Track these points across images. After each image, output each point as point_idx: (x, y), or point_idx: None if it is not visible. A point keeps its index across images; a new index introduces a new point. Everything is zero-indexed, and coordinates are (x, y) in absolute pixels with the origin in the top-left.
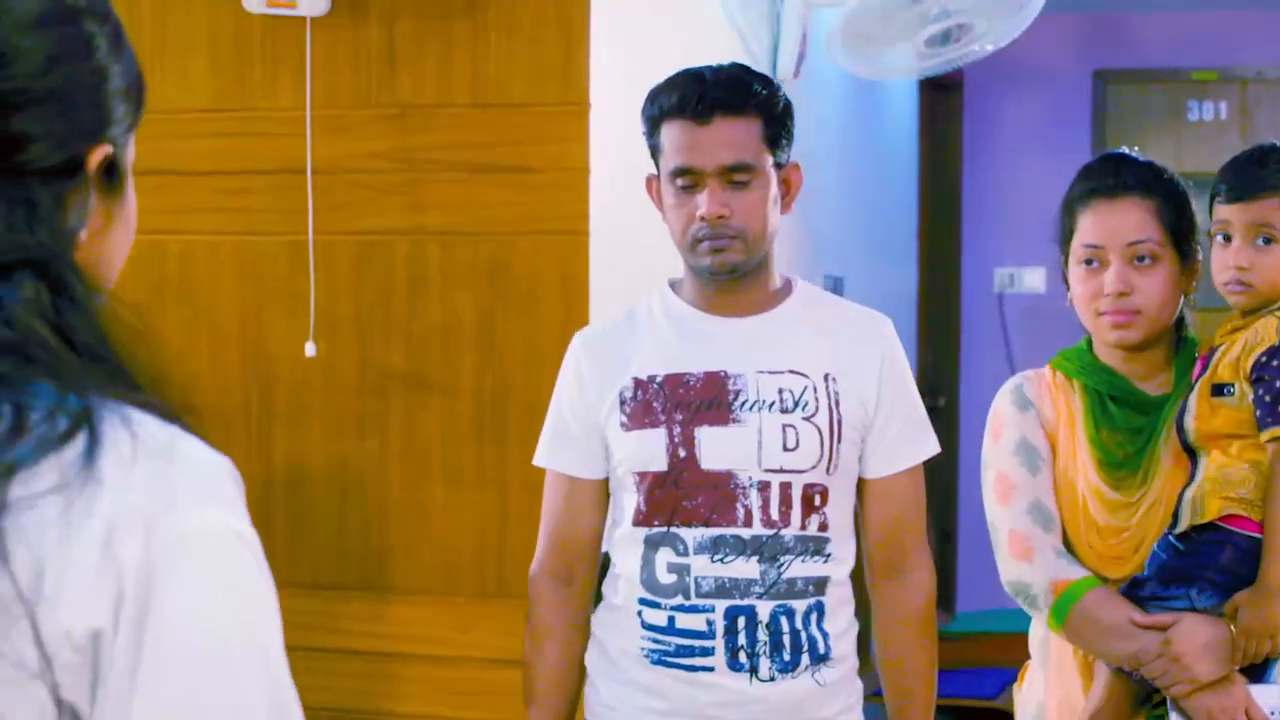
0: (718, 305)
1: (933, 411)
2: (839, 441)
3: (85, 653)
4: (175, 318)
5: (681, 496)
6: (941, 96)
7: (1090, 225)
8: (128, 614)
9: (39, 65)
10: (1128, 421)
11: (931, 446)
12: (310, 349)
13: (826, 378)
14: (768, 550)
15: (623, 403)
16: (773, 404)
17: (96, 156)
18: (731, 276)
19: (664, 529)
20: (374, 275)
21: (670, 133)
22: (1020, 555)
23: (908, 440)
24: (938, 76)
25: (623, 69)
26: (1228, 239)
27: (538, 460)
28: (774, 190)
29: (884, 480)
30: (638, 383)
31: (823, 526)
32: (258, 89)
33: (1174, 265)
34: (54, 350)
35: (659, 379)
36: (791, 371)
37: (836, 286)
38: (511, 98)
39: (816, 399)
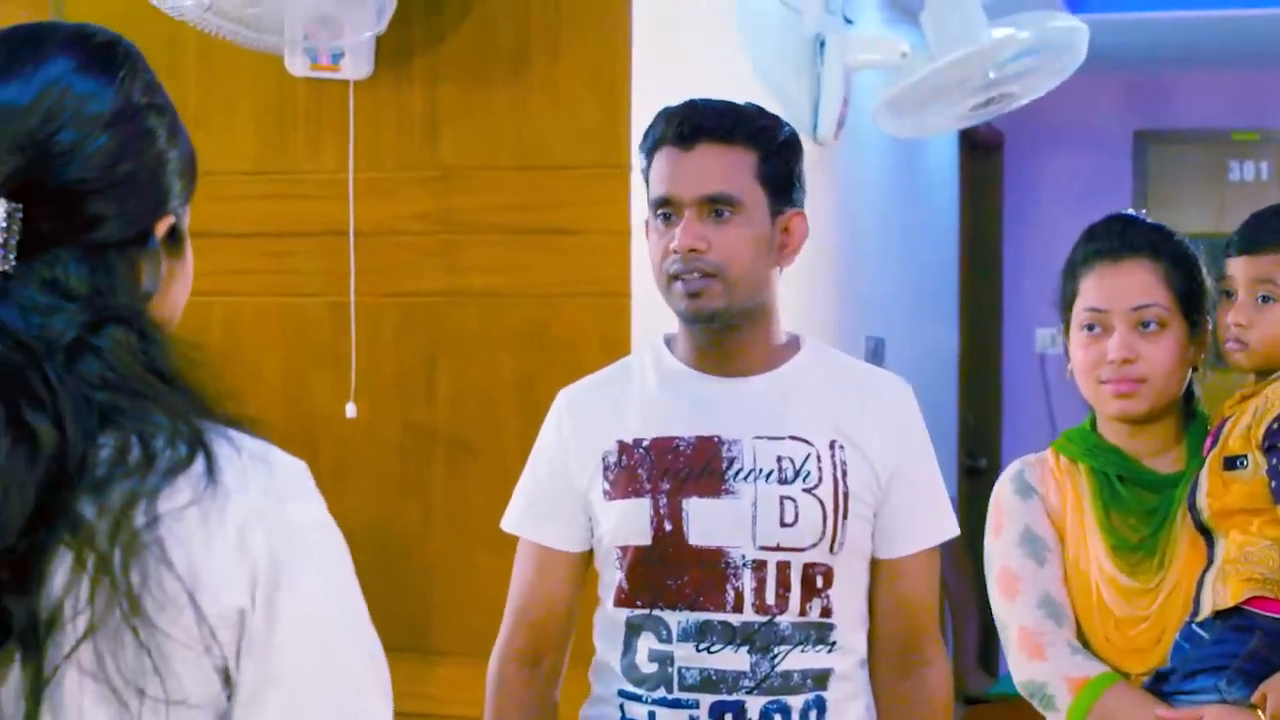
0: (713, 363)
1: (974, 473)
2: (845, 517)
3: (234, 628)
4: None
5: (666, 575)
6: (982, 157)
7: (1093, 288)
8: (261, 593)
9: (110, 158)
10: (1139, 502)
11: (950, 528)
12: (351, 410)
13: (833, 445)
14: (760, 639)
15: (606, 468)
16: (770, 473)
17: (162, 226)
18: (715, 326)
19: (646, 611)
20: (416, 337)
21: (657, 162)
22: (1032, 653)
23: (925, 519)
24: (979, 137)
25: None
26: (1231, 295)
27: (506, 524)
28: (766, 232)
29: (896, 562)
30: (622, 446)
31: (826, 612)
32: (301, 152)
33: (1182, 333)
34: (153, 385)
35: (646, 443)
36: (793, 438)
37: (878, 348)
38: (553, 160)
39: (820, 469)
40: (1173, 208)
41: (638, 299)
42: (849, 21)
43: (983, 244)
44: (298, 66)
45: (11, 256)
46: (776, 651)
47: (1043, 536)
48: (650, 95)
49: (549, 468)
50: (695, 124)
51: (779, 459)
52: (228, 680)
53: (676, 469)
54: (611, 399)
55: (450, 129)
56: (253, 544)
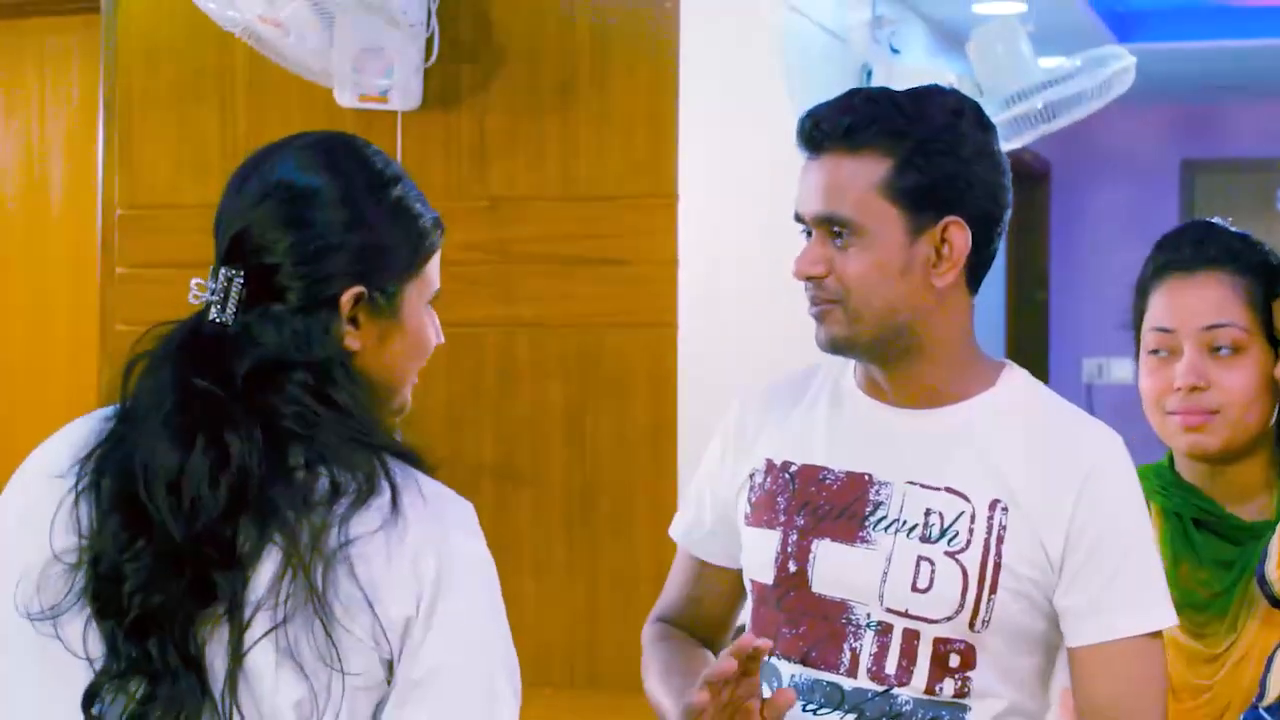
0: (886, 390)
1: None
2: (993, 591)
3: (400, 630)
4: None
5: (783, 621)
6: (1029, 186)
7: (1161, 306)
8: (424, 606)
9: (290, 247)
10: (1215, 553)
11: (1157, 619)
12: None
13: (994, 505)
14: (871, 710)
15: (751, 489)
16: (914, 528)
17: (347, 297)
18: (845, 355)
19: (765, 658)
20: (464, 366)
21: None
22: (1067, 715)
23: (1118, 604)
24: (1026, 167)
25: (711, 162)
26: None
27: (671, 528)
28: (898, 255)
29: (1079, 653)
30: (770, 467)
31: (961, 694)
32: None
33: (1264, 357)
34: (322, 416)
35: (794, 468)
36: (949, 490)
37: None
38: (601, 190)
39: (972, 531)
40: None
41: (685, 329)
42: (895, 51)
43: (1030, 273)
44: (346, 97)
45: (229, 311)
46: None
47: None
48: (698, 126)
49: (709, 471)
50: (823, 126)
51: (927, 512)
52: (391, 670)
53: (817, 504)
54: (780, 409)
55: (499, 159)
56: (423, 567)
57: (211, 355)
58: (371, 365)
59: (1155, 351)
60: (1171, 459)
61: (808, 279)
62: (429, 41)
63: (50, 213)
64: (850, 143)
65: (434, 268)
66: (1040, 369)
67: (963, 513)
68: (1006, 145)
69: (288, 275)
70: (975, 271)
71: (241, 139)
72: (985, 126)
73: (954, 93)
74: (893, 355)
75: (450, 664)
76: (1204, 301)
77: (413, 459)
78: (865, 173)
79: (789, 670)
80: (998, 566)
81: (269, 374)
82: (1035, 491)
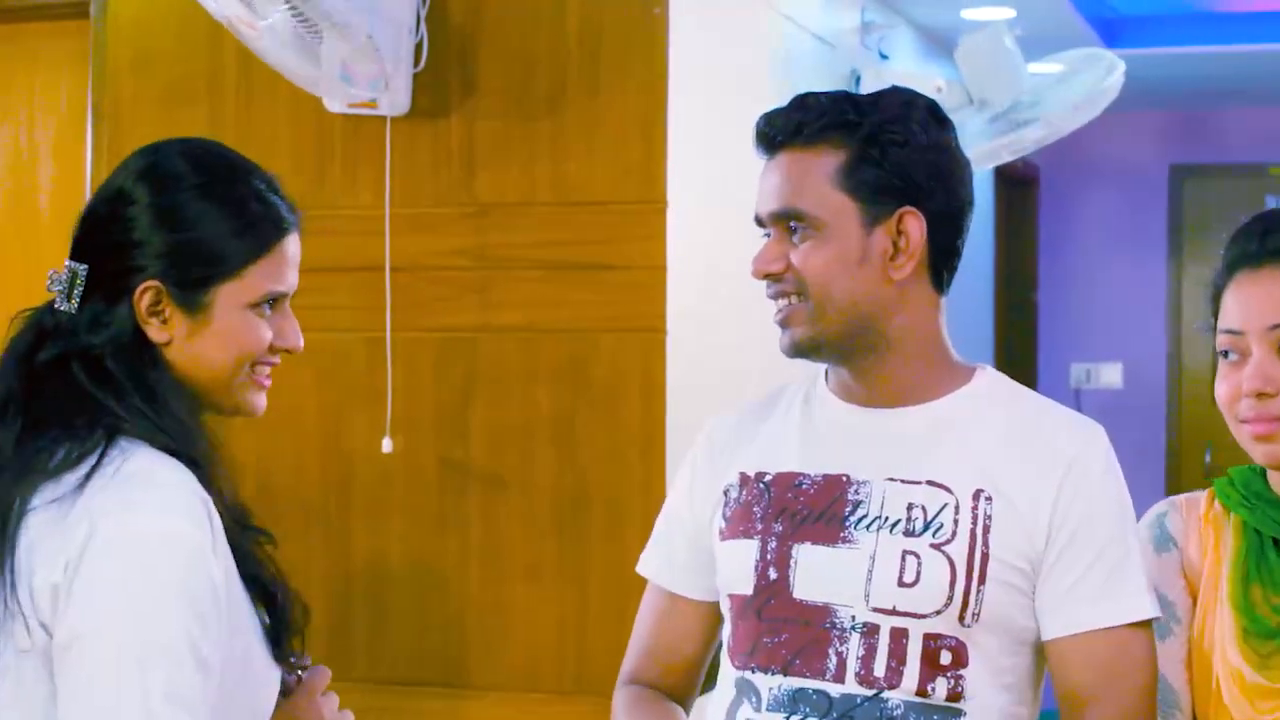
0: (856, 391)
1: None
2: (981, 582)
3: (48, 598)
4: None
5: (764, 632)
6: (1018, 191)
7: (1230, 305)
8: (69, 573)
9: (85, 240)
10: None
11: (1137, 608)
12: (387, 444)
13: (978, 496)
14: (860, 716)
15: (725, 504)
16: (897, 523)
17: (139, 291)
18: (812, 357)
19: (743, 672)
20: (452, 372)
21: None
22: None
23: (1098, 593)
24: (1014, 172)
25: (701, 168)
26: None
27: (639, 565)
28: (856, 247)
29: (1056, 645)
30: (743, 479)
31: (955, 695)
32: (338, 188)
33: None
34: (79, 400)
35: (769, 477)
36: (930, 483)
37: None
38: (591, 196)
39: (956, 522)
40: (1209, 243)
41: (674, 335)
42: (884, 57)
43: (1018, 278)
44: (335, 103)
45: (74, 302)
46: None
47: (1172, 602)
48: (687, 132)
49: (677, 502)
50: (776, 125)
51: (909, 507)
52: (49, 635)
53: (795, 509)
54: (750, 426)
55: (487, 165)
56: (75, 534)
57: (40, 341)
58: (178, 359)
59: (1226, 354)
60: (1264, 469)
61: (766, 276)
62: (418, 47)
63: (40, 218)
64: (804, 138)
65: (269, 270)
66: (1029, 374)
67: (946, 504)
68: (998, 161)
69: (99, 269)
70: (939, 268)
71: (230, 144)
72: (940, 121)
73: (908, 90)
74: (859, 353)
75: (86, 631)
76: (1271, 298)
77: (183, 448)
78: (820, 165)
79: (769, 683)
80: (985, 556)
81: (63, 358)
82: (1018, 481)
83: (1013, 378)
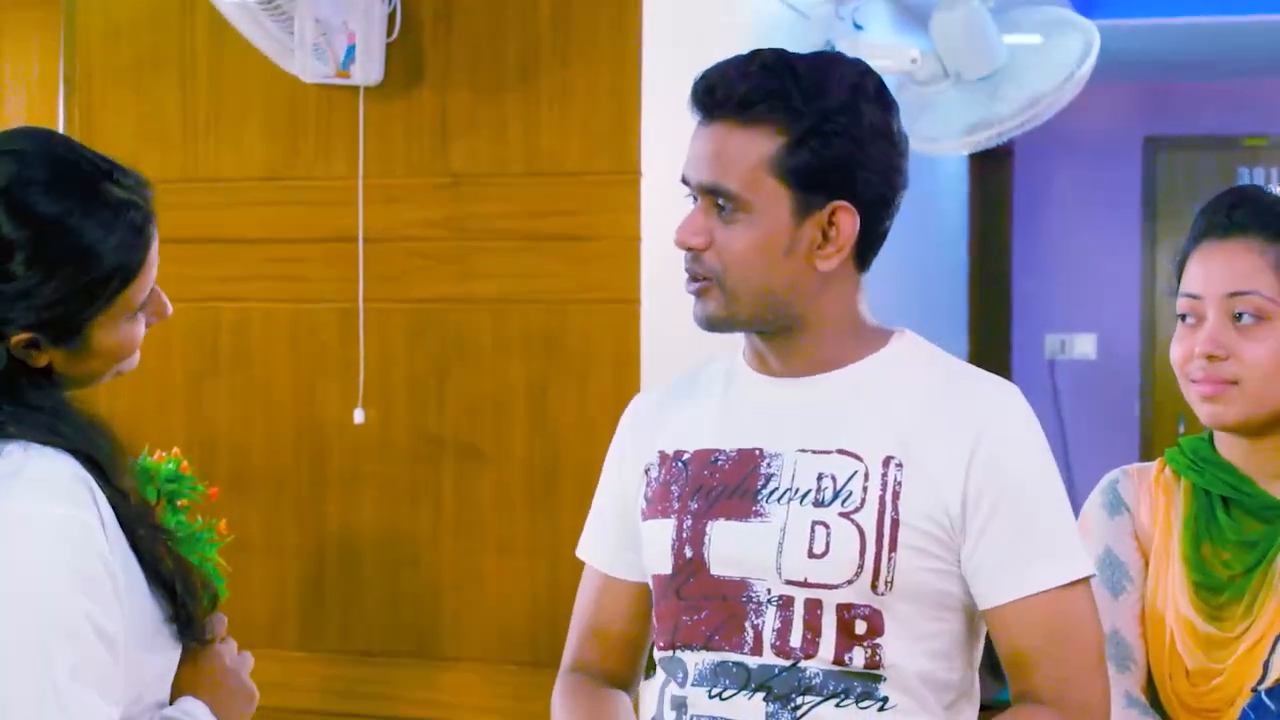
0: (771, 363)
1: None
2: (893, 549)
3: None
4: (228, 384)
5: (683, 609)
6: (992, 164)
7: (1192, 271)
8: None
9: None
10: (1240, 533)
11: (1073, 568)
12: (359, 415)
13: (888, 462)
14: (778, 687)
15: (647, 483)
16: (807, 494)
17: (14, 343)
18: (724, 331)
19: (669, 652)
20: (426, 343)
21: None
22: None
23: (1031, 557)
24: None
25: (674, 138)
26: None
27: (578, 548)
28: (782, 235)
29: (995, 614)
30: (663, 458)
31: (873, 664)
32: (311, 158)
33: None
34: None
35: (686, 456)
36: (840, 451)
37: None
38: (564, 167)
39: (865, 489)
40: (1182, 214)
41: (648, 306)
42: (859, 27)
43: (992, 250)
44: (308, 73)
45: None
46: (800, 703)
47: (1124, 562)
48: (661, 102)
49: (607, 483)
50: (716, 94)
51: (819, 477)
52: None
53: (710, 486)
54: (671, 404)
55: (461, 136)
56: None
57: None
58: (65, 371)
59: (1184, 318)
60: (1212, 434)
61: (687, 249)
62: (391, 17)
63: None
64: (742, 114)
65: (139, 285)
66: (1003, 345)
67: (855, 472)
68: (981, 146)
69: None
70: (864, 251)
71: (202, 114)
72: (885, 104)
73: (857, 65)
74: (773, 330)
75: None
76: (1230, 268)
77: (79, 447)
78: (756, 147)
79: (693, 659)
80: (895, 523)
81: None
82: (929, 446)
83: (987, 349)
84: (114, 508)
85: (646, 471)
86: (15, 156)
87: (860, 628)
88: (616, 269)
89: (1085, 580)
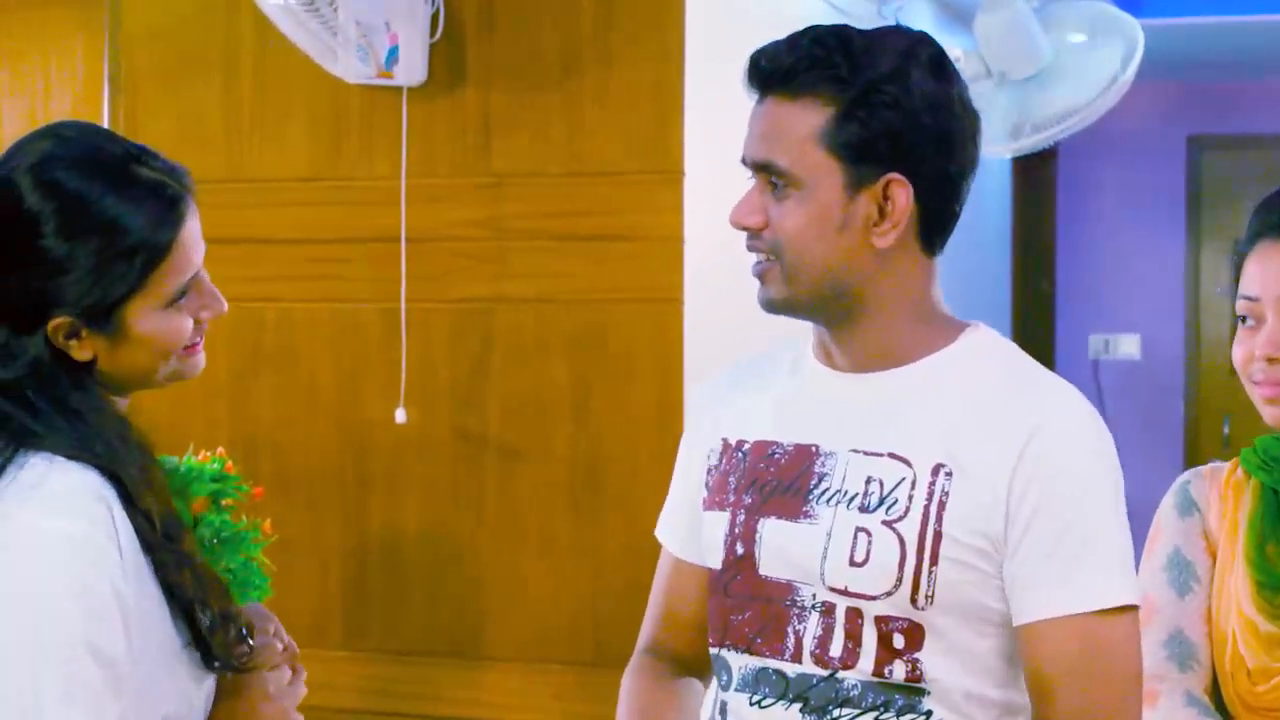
0: (835, 354)
1: None
2: (934, 561)
3: None
4: (271, 384)
5: (730, 608)
6: (1035, 164)
7: (1250, 272)
8: None
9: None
10: None
11: (1112, 593)
12: (400, 415)
13: (937, 470)
14: (815, 698)
15: (709, 471)
16: (854, 497)
17: (51, 328)
18: (787, 315)
19: (716, 649)
20: (467, 343)
21: None
22: (1145, 698)
23: (1067, 577)
24: None
25: (717, 137)
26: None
27: (657, 529)
28: (835, 210)
29: (1026, 631)
30: (725, 447)
31: (914, 678)
32: (354, 158)
33: None
34: (24, 425)
35: (747, 445)
36: (891, 455)
37: None
38: (606, 166)
39: (911, 498)
40: (1226, 214)
41: (690, 305)
42: None
43: (1036, 250)
44: (352, 74)
45: None
46: (837, 715)
47: (1192, 562)
48: (703, 101)
49: (680, 465)
50: (764, 67)
51: (868, 480)
52: None
53: (766, 481)
54: (738, 389)
55: (503, 136)
56: None
57: None
58: (111, 367)
59: (1244, 319)
60: None
61: (743, 228)
62: (434, 18)
63: None
64: (790, 87)
65: (172, 267)
66: (1047, 345)
67: (903, 479)
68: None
69: (4, 291)
70: (930, 232)
71: (246, 115)
72: (941, 73)
73: (912, 34)
74: (835, 317)
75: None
76: None
77: (104, 463)
78: (804, 121)
79: (737, 662)
80: (938, 535)
81: None
82: (978, 452)
83: (1030, 349)
84: (135, 529)
85: (709, 458)
86: (50, 137)
87: (898, 641)
88: (659, 268)
89: (1128, 609)
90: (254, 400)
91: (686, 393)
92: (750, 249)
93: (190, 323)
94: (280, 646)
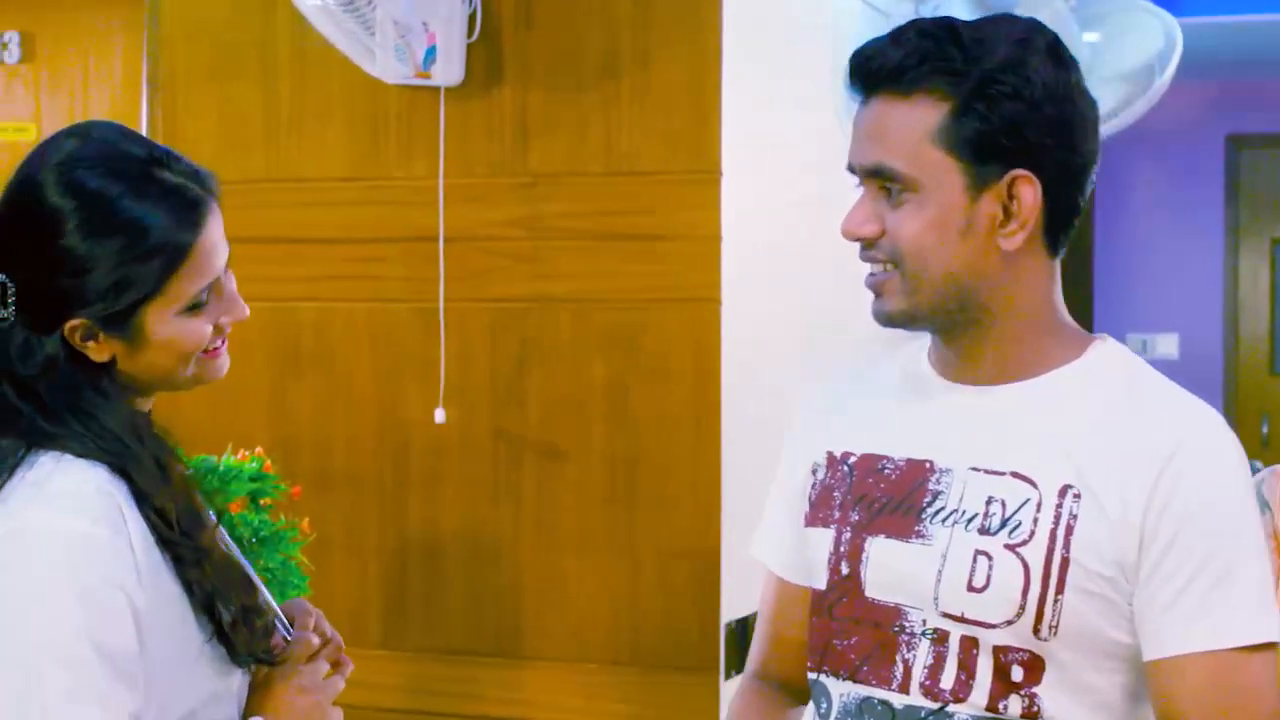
0: (954, 366)
1: None
2: (1059, 590)
3: None
4: (309, 384)
5: (834, 632)
6: None
7: None
8: None
9: (10, 273)
10: None
11: (1255, 629)
12: (440, 415)
13: (1064, 492)
14: None
15: (811, 485)
16: (973, 518)
17: (68, 329)
18: (906, 328)
19: (815, 674)
20: (505, 343)
21: None
22: None
23: (1203, 610)
24: None
25: (754, 137)
26: None
27: (752, 547)
28: (957, 213)
29: (1158, 666)
30: (830, 459)
31: (1030, 713)
32: (392, 158)
33: None
34: (37, 424)
35: (853, 459)
36: (1015, 474)
37: None
38: (643, 166)
39: (1036, 521)
40: (1266, 213)
41: (728, 305)
42: None
43: (1073, 249)
44: (390, 74)
45: (9, 310)
46: None
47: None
48: (741, 100)
49: (779, 477)
50: (871, 65)
51: (989, 501)
52: None
53: (874, 497)
54: (843, 398)
55: (540, 135)
56: None
57: None
58: (126, 368)
59: None
60: None
61: (857, 239)
62: (471, 18)
63: None
64: (901, 84)
65: (191, 271)
66: None
67: (1028, 500)
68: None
69: (25, 288)
70: (1055, 231)
71: (284, 115)
72: (1059, 60)
73: (1025, 22)
74: (959, 327)
75: None
76: None
77: (116, 462)
78: (918, 119)
79: (838, 689)
80: (1065, 562)
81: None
82: (1111, 476)
83: None
84: (150, 526)
85: (813, 471)
86: (75, 137)
87: (1017, 674)
88: (697, 268)
89: (1268, 647)
90: (292, 400)
91: (724, 393)
92: (865, 260)
93: (209, 328)
94: (316, 641)
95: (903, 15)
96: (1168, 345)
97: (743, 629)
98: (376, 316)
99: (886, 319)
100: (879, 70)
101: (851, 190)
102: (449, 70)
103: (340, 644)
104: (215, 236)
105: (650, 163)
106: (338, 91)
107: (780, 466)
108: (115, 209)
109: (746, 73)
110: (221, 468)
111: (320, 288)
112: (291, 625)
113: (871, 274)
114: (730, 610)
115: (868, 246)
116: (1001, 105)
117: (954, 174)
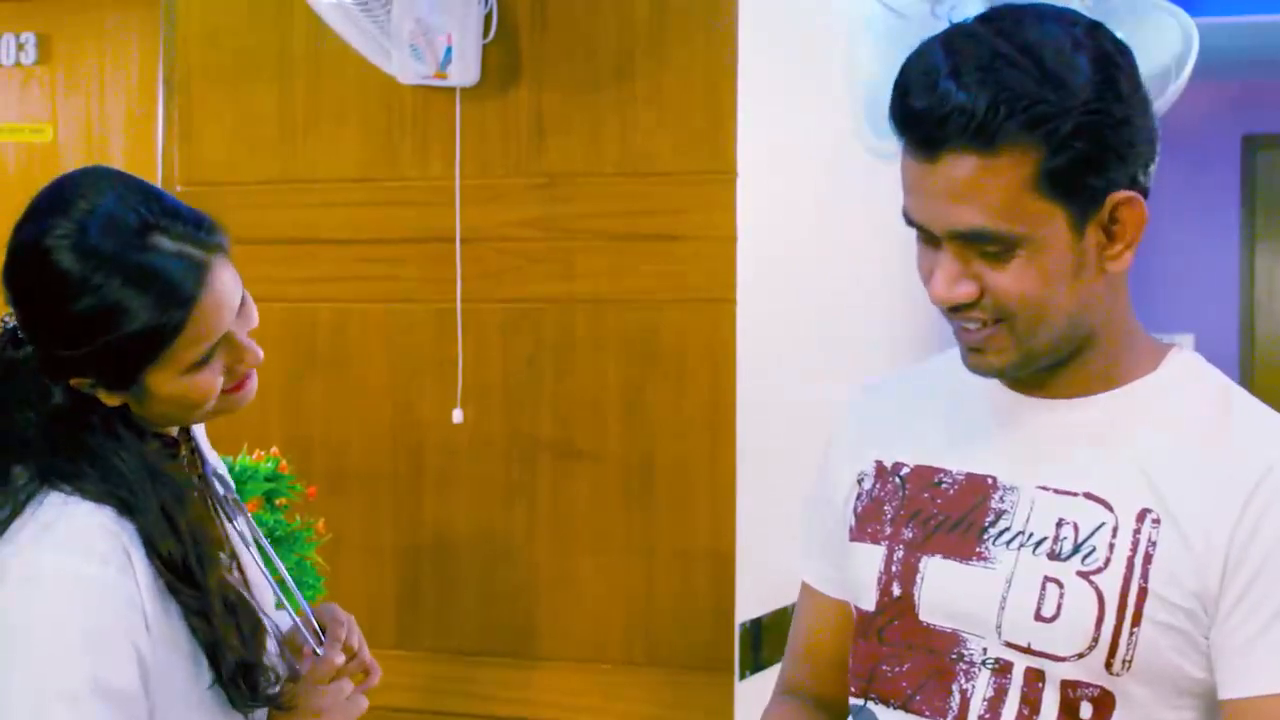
0: (1027, 378)
1: None
2: (1135, 622)
3: None
4: (325, 384)
5: (884, 657)
6: None
7: None
8: None
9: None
10: None
11: None
12: (458, 415)
13: (1142, 516)
14: None
15: (858, 496)
16: (1042, 541)
17: (75, 383)
18: (1007, 377)
19: (861, 700)
20: (522, 343)
21: (902, 159)
22: None
23: None
24: None
25: (770, 137)
26: None
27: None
28: (1067, 253)
29: (1236, 705)
30: (879, 470)
31: None
32: (408, 159)
33: None
34: (51, 463)
35: (906, 470)
36: (1088, 496)
37: None
38: (659, 166)
39: (1113, 547)
40: None
41: (744, 305)
42: None
43: None
44: (406, 74)
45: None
46: None
47: None
48: (757, 101)
49: (817, 485)
50: (939, 120)
51: (1059, 523)
52: None
53: (930, 513)
54: (892, 403)
55: (556, 135)
56: None
57: (4, 371)
58: (143, 413)
59: None
60: None
61: (955, 305)
62: (487, 18)
63: None
64: (985, 142)
65: (193, 335)
66: None
67: (1103, 524)
68: None
69: (34, 338)
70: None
71: (300, 116)
72: (1124, 52)
73: (1082, 23)
74: (1063, 356)
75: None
76: None
77: (126, 502)
78: (1012, 172)
79: (887, 718)
80: (1143, 592)
81: (9, 407)
82: (1193, 500)
83: None
84: (157, 571)
85: (859, 481)
86: (65, 212)
87: (1085, 710)
88: (712, 269)
89: None
90: (308, 400)
91: (739, 393)
92: (962, 319)
93: (219, 379)
94: (340, 661)
95: (918, 16)
96: (1183, 346)
97: (757, 629)
98: (392, 317)
99: (997, 373)
100: (956, 126)
101: (868, 196)
102: (465, 70)
103: (366, 662)
104: (219, 295)
105: (666, 163)
106: (353, 93)
107: (818, 474)
108: (96, 293)
109: (763, 73)
110: (237, 468)
111: (336, 288)
112: (323, 632)
113: (968, 330)
114: (745, 611)
115: (965, 306)
116: (1102, 136)
117: (1058, 218)
